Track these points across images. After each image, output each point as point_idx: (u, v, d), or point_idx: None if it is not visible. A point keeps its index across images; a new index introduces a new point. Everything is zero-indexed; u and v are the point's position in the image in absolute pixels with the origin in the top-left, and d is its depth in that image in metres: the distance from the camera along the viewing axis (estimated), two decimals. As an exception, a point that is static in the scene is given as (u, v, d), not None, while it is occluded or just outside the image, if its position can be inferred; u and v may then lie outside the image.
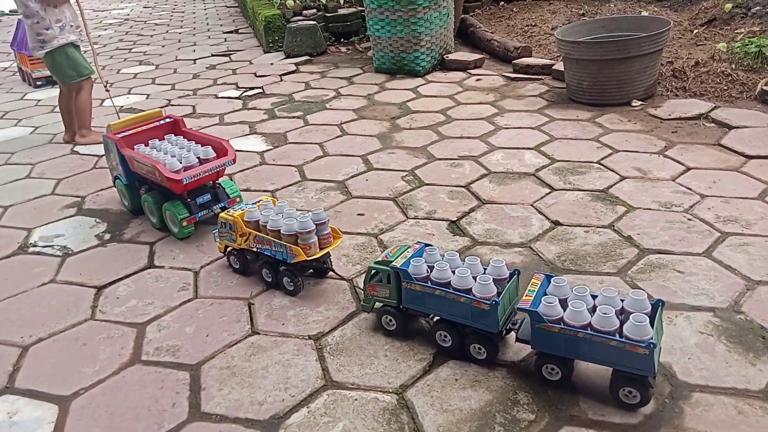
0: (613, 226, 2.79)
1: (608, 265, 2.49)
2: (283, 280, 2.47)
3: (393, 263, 2.09)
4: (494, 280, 1.97)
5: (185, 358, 2.13)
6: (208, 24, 9.73)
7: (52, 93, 6.03)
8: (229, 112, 5.02)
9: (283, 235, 2.42)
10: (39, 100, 5.81)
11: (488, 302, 1.89)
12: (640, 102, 4.32)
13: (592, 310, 1.83)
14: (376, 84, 5.56)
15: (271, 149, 4.13)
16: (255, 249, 2.54)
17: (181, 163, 2.94)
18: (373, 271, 2.13)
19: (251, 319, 2.33)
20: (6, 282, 2.67)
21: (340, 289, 2.49)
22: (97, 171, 3.91)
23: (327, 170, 3.71)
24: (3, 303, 2.52)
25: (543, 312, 1.82)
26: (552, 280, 1.94)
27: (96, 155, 4.17)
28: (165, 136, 3.33)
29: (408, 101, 5.00)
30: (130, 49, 8.12)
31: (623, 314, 1.81)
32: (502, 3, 7.65)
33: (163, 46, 8.13)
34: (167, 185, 2.88)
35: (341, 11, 7.24)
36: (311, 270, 2.57)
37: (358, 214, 3.11)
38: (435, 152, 3.88)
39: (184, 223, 2.94)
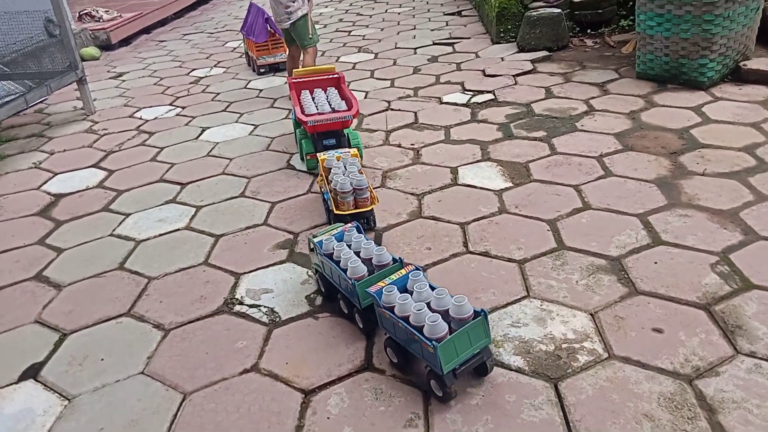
0: None
1: None
2: (331, 221, 2.99)
3: (316, 237, 2.47)
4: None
5: None
6: (427, 3, 9.07)
7: (274, 83, 5.86)
8: (455, 125, 4.27)
9: (331, 188, 2.93)
10: (260, 91, 5.65)
11: (353, 281, 2.17)
12: None
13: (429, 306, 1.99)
14: (639, 96, 4.38)
15: (511, 187, 3.29)
16: (322, 190, 3.14)
17: (317, 109, 3.57)
18: (311, 243, 2.49)
19: None
20: (206, 358, 2.24)
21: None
22: (312, 196, 3.43)
23: (591, 234, 2.77)
24: (199, 396, 2.07)
25: (382, 298, 2.03)
26: (410, 273, 2.14)
27: (311, 174, 3.71)
28: (327, 88, 3.93)
29: (691, 127, 3.78)
30: (350, 31, 7.78)
31: (449, 317, 1.94)
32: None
33: (381, 29, 7.65)
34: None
35: (592, -4, 6.02)
36: (362, 221, 2.92)
37: (654, 330, 2.15)
38: (754, 224, 2.71)
39: (308, 157, 3.66)
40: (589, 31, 5.99)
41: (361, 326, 2.28)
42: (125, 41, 8.45)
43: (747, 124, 3.73)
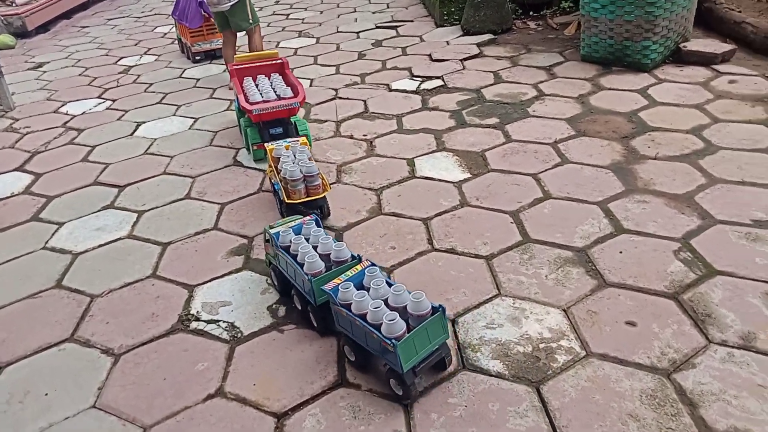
0: None
1: None
2: (282, 212, 2.96)
3: (273, 228, 2.39)
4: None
5: None
6: (365, -16, 8.85)
7: (211, 71, 5.56)
8: (406, 113, 4.16)
9: (281, 177, 2.84)
10: (197, 80, 5.33)
11: (309, 277, 2.10)
12: None
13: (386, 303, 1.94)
14: (586, 79, 4.40)
15: (469, 178, 3.22)
16: (272, 181, 3.04)
17: (262, 97, 3.45)
18: (266, 234, 2.41)
19: None
20: (164, 385, 2.06)
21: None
22: (264, 195, 3.25)
23: (555, 225, 2.74)
24: (161, 429, 1.88)
25: (338, 296, 1.99)
26: (366, 270, 2.08)
27: (260, 170, 3.52)
28: (271, 74, 3.82)
29: (639, 110, 3.83)
30: (287, 14, 7.49)
31: (407, 314, 1.91)
32: (746, -33, 5.95)
33: (320, 12, 7.42)
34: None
35: (532, -23, 6.01)
36: (315, 211, 2.82)
37: (627, 323, 2.14)
38: (709, 207, 2.76)
39: (254, 147, 3.51)
40: (531, 13, 5.99)
41: (316, 324, 2.21)
42: (43, 27, 7.82)
43: (691, 105, 3.81)
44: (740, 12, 4.83)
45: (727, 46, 4.40)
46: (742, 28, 4.59)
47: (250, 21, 4.62)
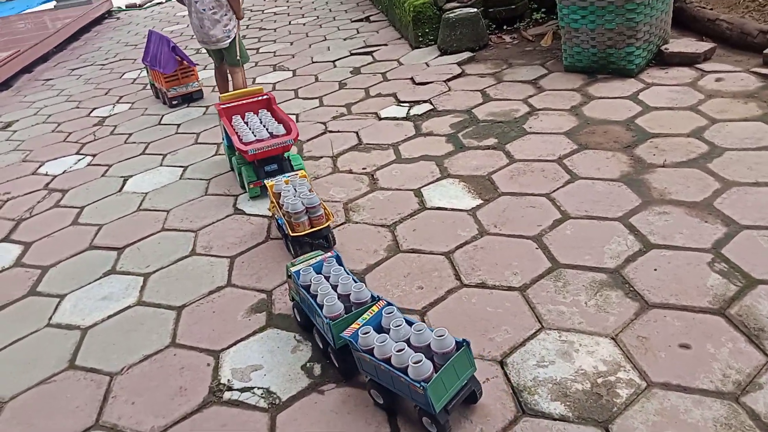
0: None
1: None
2: (289, 246, 2.95)
3: (294, 266, 2.37)
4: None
5: None
6: (331, 11, 8.84)
7: (191, 115, 5.42)
8: (402, 141, 4.09)
9: (284, 211, 2.84)
10: (178, 125, 5.19)
11: (327, 321, 2.07)
12: None
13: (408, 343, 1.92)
14: (574, 90, 4.40)
15: (482, 204, 3.16)
16: (274, 216, 3.12)
17: (255, 136, 3.49)
18: (288, 271, 2.40)
19: None
20: (208, 469, 1.92)
21: None
22: (273, 243, 3.12)
23: (581, 246, 2.68)
24: None
25: (358, 342, 1.94)
26: (383, 310, 2.05)
27: (264, 216, 3.40)
28: (259, 111, 3.86)
29: (635, 117, 3.83)
30: (258, 48, 7.40)
31: (430, 352, 1.88)
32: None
33: (291, 44, 7.34)
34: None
35: (503, -8, 6.05)
36: (320, 241, 2.89)
37: (681, 346, 2.08)
38: (731, 212, 2.73)
39: (251, 186, 3.51)
40: (505, 27, 6.01)
41: (337, 365, 2.18)
42: (5, 84, 7.57)
43: (685, 108, 3.82)
44: (712, 9, 4.92)
45: (707, 45, 4.46)
46: (717, 26, 4.66)
47: (238, 58, 4.76)
